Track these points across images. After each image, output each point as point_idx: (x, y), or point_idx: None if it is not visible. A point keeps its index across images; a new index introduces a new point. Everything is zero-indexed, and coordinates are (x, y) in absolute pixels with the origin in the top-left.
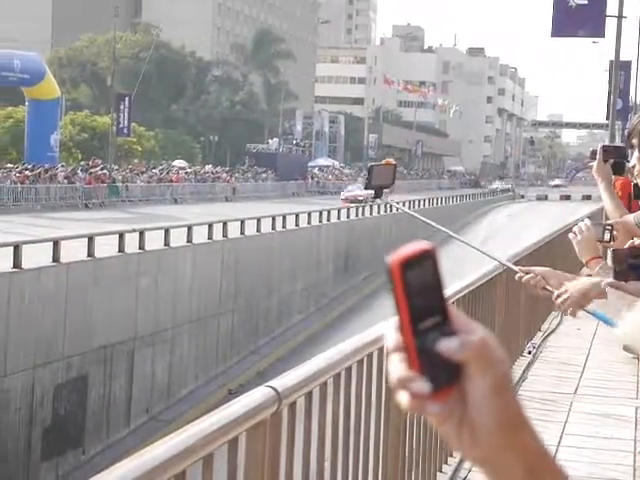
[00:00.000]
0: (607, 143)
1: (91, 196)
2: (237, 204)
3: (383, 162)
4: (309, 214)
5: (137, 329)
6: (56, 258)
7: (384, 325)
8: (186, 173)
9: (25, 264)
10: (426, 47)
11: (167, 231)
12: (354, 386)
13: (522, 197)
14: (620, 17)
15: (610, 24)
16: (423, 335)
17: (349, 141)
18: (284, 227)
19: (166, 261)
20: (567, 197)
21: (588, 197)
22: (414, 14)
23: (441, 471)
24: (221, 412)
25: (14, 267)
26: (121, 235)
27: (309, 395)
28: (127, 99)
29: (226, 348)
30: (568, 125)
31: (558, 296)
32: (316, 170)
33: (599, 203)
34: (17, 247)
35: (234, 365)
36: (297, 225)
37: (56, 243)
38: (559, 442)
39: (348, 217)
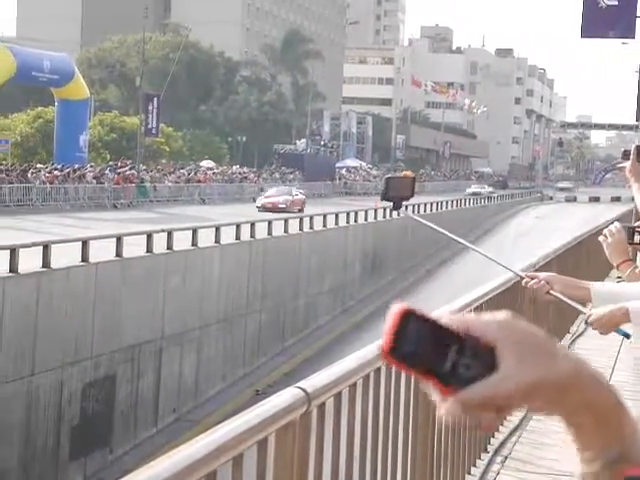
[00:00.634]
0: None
1: (119, 196)
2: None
3: (401, 174)
4: (336, 215)
5: (165, 329)
6: (85, 258)
7: None
8: (214, 173)
9: (54, 264)
10: (454, 48)
11: (195, 231)
12: (383, 387)
13: (551, 198)
14: None
15: None
16: (455, 374)
17: (377, 142)
18: (311, 228)
19: (194, 261)
20: (596, 199)
21: (617, 199)
22: (443, 15)
23: (469, 473)
24: (251, 412)
25: (43, 267)
26: (149, 235)
27: (338, 396)
28: (155, 99)
29: (253, 348)
30: (597, 126)
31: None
32: (343, 171)
33: (629, 205)
34: (46, 247)
35: (261, 365)
36: (324, 226)
37: (85, 243)
38: None
39: (375, 218)
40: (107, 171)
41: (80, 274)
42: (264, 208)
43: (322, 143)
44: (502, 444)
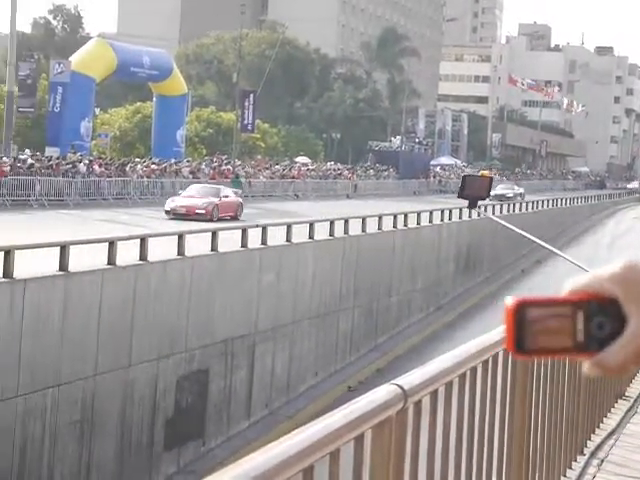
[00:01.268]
0: None
1: None
2: (358, 201)
3: (479, 174)
4: (431, 212)
5: (258, 324)
6: (181, 252)
7: None
8: (308, 170)
9: (151, 257)
10: (553, 46)
11: (289, 227)
12: (479, 386)
13: None
14: None
15: None
16: (591, 338)
17: (472, 140)
18: (405, 225)
19: (288, 257)
20: None
21: None
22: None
23: (565, 476)
24: (347, 408)
25: (140, 259)
26: (244, 230)
27: (434, 394)
28: (252, 96)
29: (345, 345)
30: None
31: None
32: (438, 169)
33: None
34: (143, 240)
35: (353, 362)
36: (418, 223)
37: (181, 237)
38: None
39: (470, 217)
40: (203, 166)
41: (176, 267)
42: (174, 214)
43: (417, 140)
44: (599, 447)
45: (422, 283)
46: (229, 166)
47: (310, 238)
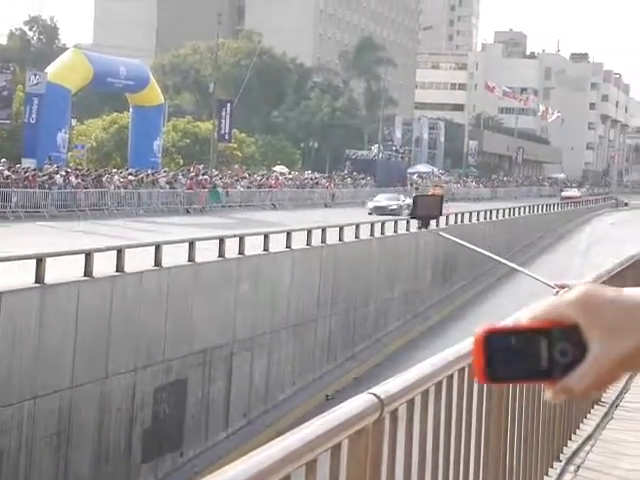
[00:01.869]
0: None
1: (192, 201)
2: (336, 210)
3: (429, 192)
4: (407, 221)
5: (236, 333)
6: (158, 262)
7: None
8: (286, 179)
9: (127, 268)
10: (528, 53)
11: (266, 236)
12: (455, 394)
13: (626, 205)
14: None
15: None
16: (554, 365)
17: (449, 148)
18: (382, 233)
19: (265, 266)
20: None
21: None
22: (517, 20)
23: None
24: (324, 418)
25: (117, 271)
26: (221, 240)
27: (411, 403)
28: (228, 105)
29: (323, 354)
30: None
31: None
32: (415, 177)
33: None
34: (120, 251)
35: (331, 371)
36: (395, 232)
37: (158, 247)
38: None
39: (447, 224)
40: (180, 176)
41: (153, 278)
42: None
43: (394, 148)
44: (575, 453)
45: (399, 291)
46: (206, 176)
47: (287, 247)
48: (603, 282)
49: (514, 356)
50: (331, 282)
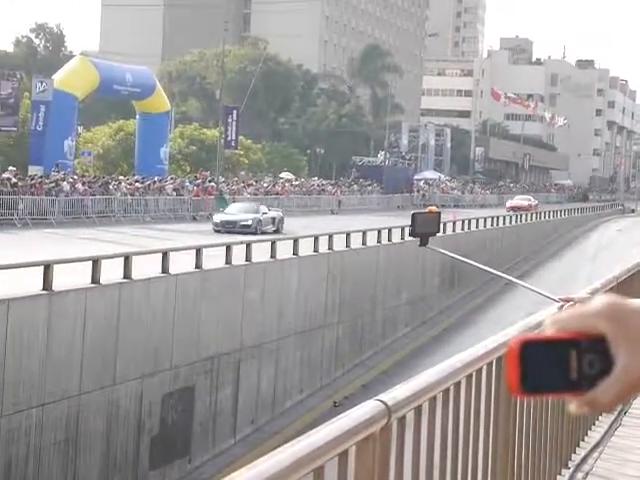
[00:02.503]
0: None
1: (199, 208)
2: (343, 217)
3: (426, 210)
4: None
5: (243, 340)
6: (165, 269)
7: (493, 339)
8: (292, 185)
9: (135, 275)
10: (534, 59)
11: (273, 243)
12: (463, 401)
13: (632, 211)
14: None
15: None
16: (582, 376)
17: (455, 154)
18: (389, 240)
19: (272, 273)
20: None
21: None
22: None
23: None
24: (332, 425)
25: (124, 278)
26: (228, 247)
27: (418, 409)
28: (235, 112)
29: (331, 360)
30: None
31: None
32: (422, 183)
33: None
34: (127, 258)
35: (338, 377)
36: (402, 238)
37: (165, 254)
38: None
39: (454, 231)
40: (187, 183)
41: (160, 285)
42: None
43: (400, 155)
44: (583, 460)
45: (407, 298)
46: (213, 183)
47: (294, 254)
48: (611, 289)
49: (547, 368)
50: (338, 289)
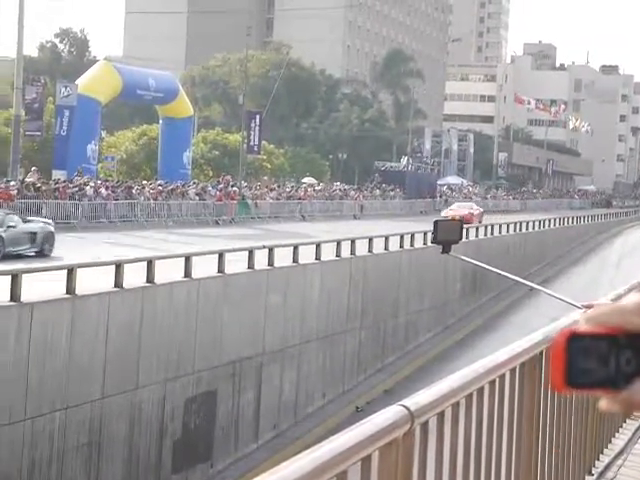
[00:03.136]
0: None
1: (221, 212)
2: (365, 222)
3: (449, 218)
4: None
5: (265, 345)
6: (187, 273)
7: (517, 345)
8: (315, 190)
9: (157, 279)
10: (558, 65)
11: (296, 248)
12: (486, 407)
13: None
14: None
15: None
16: (620, 373)
17: (478, 159)
18: (412, 245)
19: (295, 278)
20: None
21: None
22: (546, 32)
23: None
24: (354, 430)
25: (147, 282)
26: (251, 252)
27: (441, 415)
28: (258, 117)
29: (353, 366)
30: None
31: None
32: (445, 188)
33: None
34: (150, 262)
35: (361, 383)
36: (425, 243)
37: (187, 259)
38: None
39: (477, 236)
40: (209, 188)
41: (183, 290)
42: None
43: (423, 160)
44: (607, 467)
45: (429, 303)
46: (235, 188)
47: (317, 259)
48: None
49: (590, 362)
50: (360, 294)
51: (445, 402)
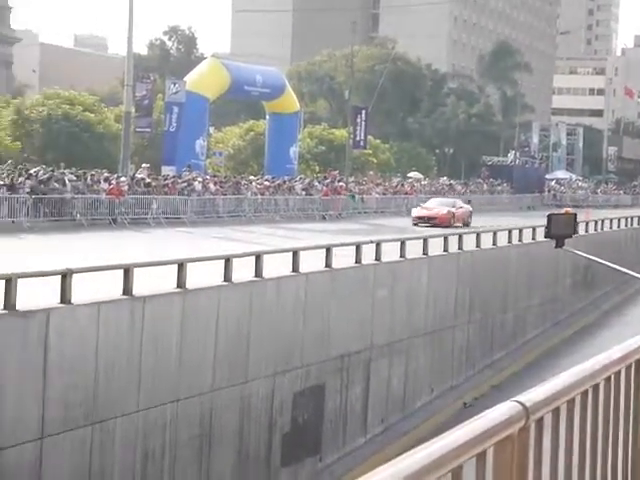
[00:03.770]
0: None
1: (328, 207)
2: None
3: (562, 211)
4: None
5: (373, 339)
6: (295, 268)
7: (633, 341)
8: (421, 185)
9: (266, 274)
10: None
11: (403, 243)
12: (601, 404)
13: None
14: None
15: None
16: None
17: (587, 154)
18: (520, 240)
19: (402, 272)
20: None
21: None
22: None
23: None
24: (469, 425)
25: (255, 276)
26: (358, 246)
27: (556, 412)
28: (363, 112)
29: (461, 361)
30: None
31: None
32: (553, 183)
33: None
34: (258, 257)
35: (469, 378)
36: (534, 239)
37: (295, 253)
38: None
39: (587, 231)
40: (316, 183)
41: (291, 284)
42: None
43: (530, 155)
44: None
45: (538, 299)
46: (342, 183)
47: (424, 254)
48: None
49: None
50: (468, 289)
51: (560, 398)
